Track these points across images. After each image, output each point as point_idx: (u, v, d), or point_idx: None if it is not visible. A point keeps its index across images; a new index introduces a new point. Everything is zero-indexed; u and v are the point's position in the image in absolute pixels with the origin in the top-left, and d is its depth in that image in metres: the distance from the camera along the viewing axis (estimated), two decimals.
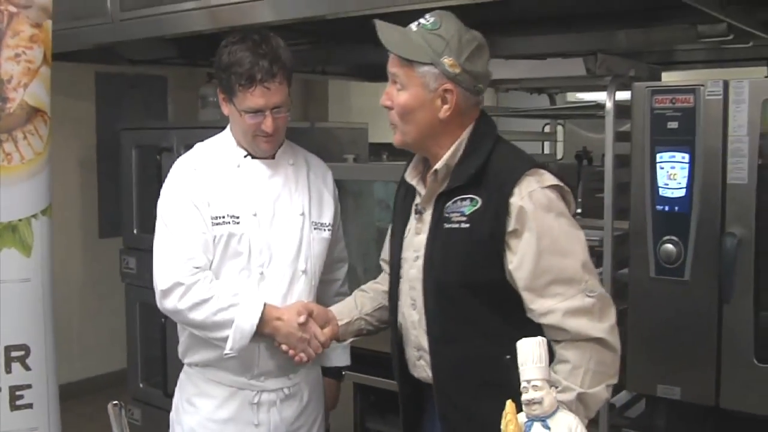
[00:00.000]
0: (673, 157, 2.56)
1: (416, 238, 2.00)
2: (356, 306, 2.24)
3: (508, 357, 1.54)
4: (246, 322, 2.15)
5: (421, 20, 1.93)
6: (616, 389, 2.95)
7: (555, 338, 1.81)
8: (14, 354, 2.91)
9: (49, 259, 3.01)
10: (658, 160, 2.59)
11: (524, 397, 1.39)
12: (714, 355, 2.58)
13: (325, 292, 2.49)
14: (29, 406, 2.93)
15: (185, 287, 2.17)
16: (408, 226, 2.05)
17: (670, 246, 2.59)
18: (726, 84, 2.49)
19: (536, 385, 1.38)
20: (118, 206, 4.67)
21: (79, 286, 5.52)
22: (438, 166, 1.93)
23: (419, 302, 1.97)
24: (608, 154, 2.74)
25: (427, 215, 1.98)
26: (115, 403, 1.95)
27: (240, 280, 2.24)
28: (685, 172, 2.55)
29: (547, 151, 3.72)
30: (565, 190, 1.90)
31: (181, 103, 5.63)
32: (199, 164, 2.32)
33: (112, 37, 3.46)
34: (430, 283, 1.93)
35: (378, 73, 4.59)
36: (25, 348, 2.89)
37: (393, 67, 1.94)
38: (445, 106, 1.91)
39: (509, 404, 1.39)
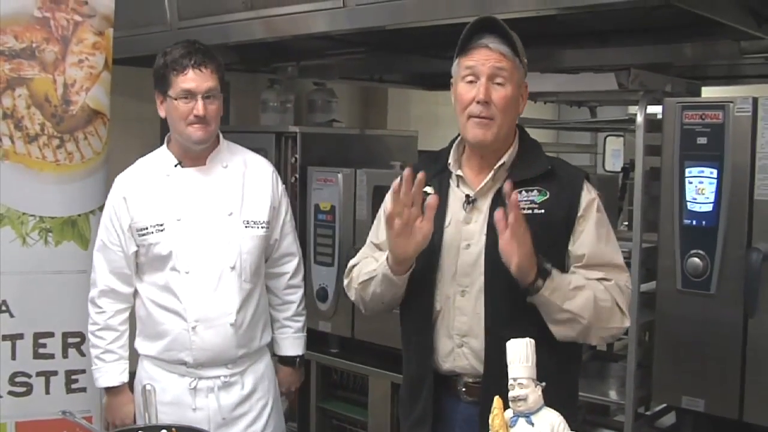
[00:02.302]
0: (702, 172, 2.59)
1: (466, 227, 2.09)
2: None
3: (554, 340, 1.71)
4: (98, 378, 2.60)
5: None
6: (643, 400, 3.00)
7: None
8: (71, 340, 3.11)
9: None
10: (686, 174, 2.61)
11: (510, 393, 1.47)
12: (738, 368, 2.58)
13: (275, 285, 2.73)
14: (83, 389, 3.12)
15: (91, 315, 2.63)
16: (448, 217, 2.11)
17: (696, 260, 2.61)
18: (755, 101, 2.51)
19: (522, 383, 1.47)
20: None
21: None
22: (506, 159, 2.09)
23: (474, 287, 2.05)
24: (638, 167, 2.77)
25: (483, 205, 2.08)
26: (149, 389, 2.12)
27: (171, 278, 2.48)
28: (713, 187, 2.57)
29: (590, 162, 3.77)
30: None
31: (243, 108, 5.78)
32: (129, 185, 2.57)
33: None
34: (499, 266, 1.97)
35: (436, 82, 4.66)
36: (81, 335, 3.06)
37: (499, 62, 2.01)
38: (523, 102, 2.11)
39: (497, 400, 1.48)
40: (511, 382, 1.48)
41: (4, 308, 3.01)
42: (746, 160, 2.52)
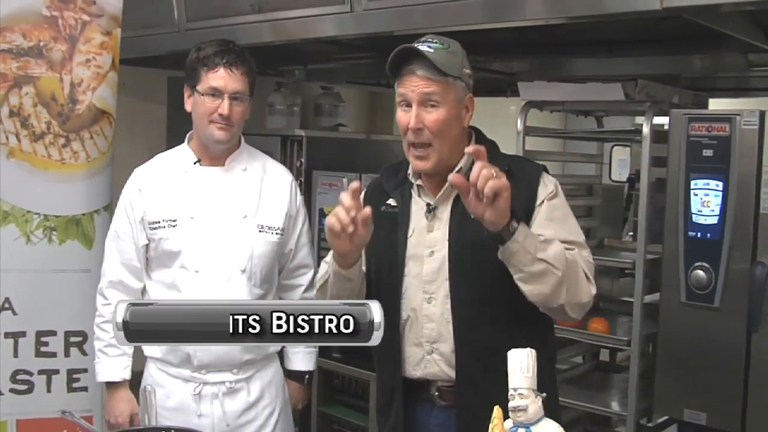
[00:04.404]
0: (708, 184, 2.59)
1: (429, 236, 2.10)
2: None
3: (524, 340, 1.63)
4: (99, 372, 2.57)
5: (429, 45, 2.02)
6: (645, 411, 2.99)
7: None
8: (73, 339, 3.09)
9: None
10: (692, 186, 2.62)
11: (510, 404, 1.47)
12: (741, 382, 2.59)
13: (289, 297, 2.67)
14: (84, 389, 3.11)
15: (98, 307, 2.60)
16: (411, 227, 2.13)
17: (700, 272, 2.61)
18: (762, 114, 2.51)
19: (522, 394, 1.46)
20: None
21: None
22: (462, 164, 2.07)
23: (440, 294, 2.06)
24: (644, 178, 2.77)
25: (443, 212, 2.10)
26: (149, 390, 2.12)
27: (179, 276, 2.46)
28: (719, 200, 2.57)
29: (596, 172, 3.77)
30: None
31: (250, 110, 5.79)
32: (146, 177, 2.56)
33: (178, 46, 3.58)
34: (462, 270, 2.04)
35: None
36: (83, 334, 3.06)
37: (427, 87, 2.00)
38: (468, 114, 2.09)
39: (497, 410, 1.47)
40: (511, 392, 1.47)
41: (7, 306, 3.00)
42: (752, 173, 2.53)
